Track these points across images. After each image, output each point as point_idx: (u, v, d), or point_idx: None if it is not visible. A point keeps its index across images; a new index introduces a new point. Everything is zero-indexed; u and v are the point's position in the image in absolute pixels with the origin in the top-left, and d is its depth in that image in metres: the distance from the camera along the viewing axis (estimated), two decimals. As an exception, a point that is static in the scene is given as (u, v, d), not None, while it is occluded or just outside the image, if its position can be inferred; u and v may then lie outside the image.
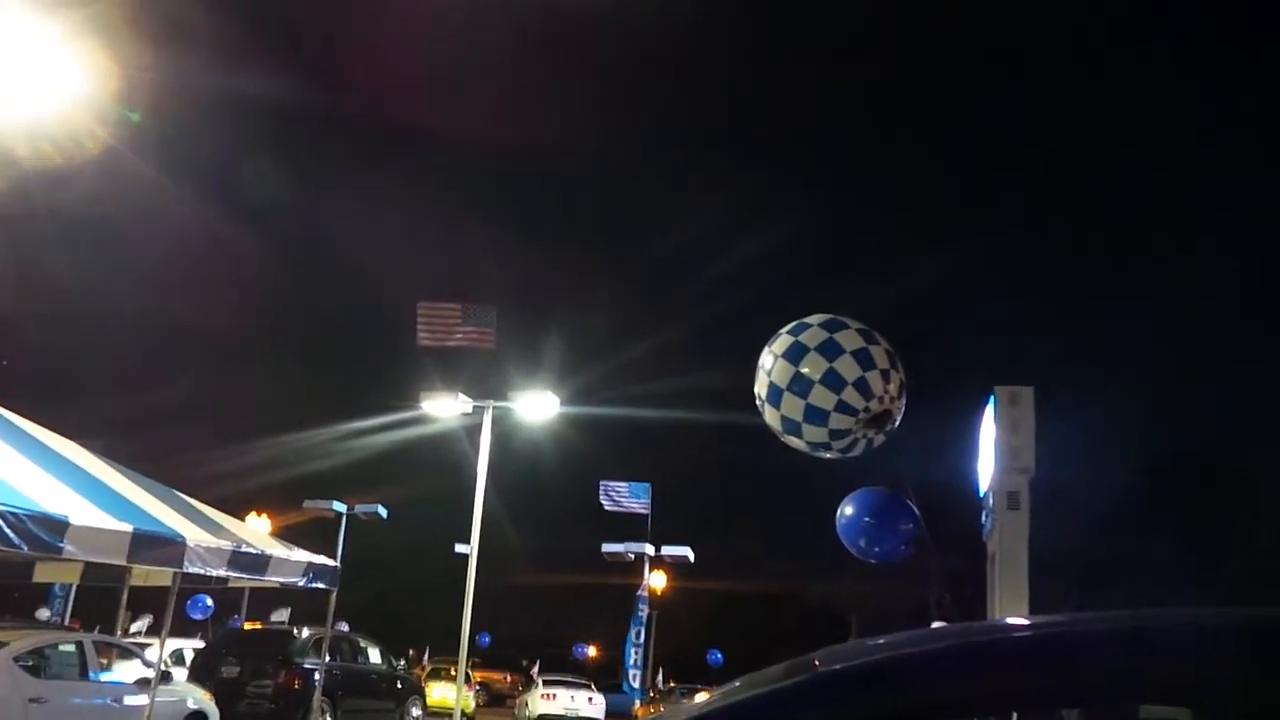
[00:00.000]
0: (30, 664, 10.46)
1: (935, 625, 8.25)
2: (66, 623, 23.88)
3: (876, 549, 11.12)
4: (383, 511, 34.68)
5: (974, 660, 1.62)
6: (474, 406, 24.80)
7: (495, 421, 24.91)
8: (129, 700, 11.31)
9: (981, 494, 12.79)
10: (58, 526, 8.70)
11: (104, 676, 11.44)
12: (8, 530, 8.18)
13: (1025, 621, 1.92)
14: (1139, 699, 1.93)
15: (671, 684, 37.93)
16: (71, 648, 11.33)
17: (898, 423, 9.91)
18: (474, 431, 24.98)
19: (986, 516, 12.30)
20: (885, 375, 9.58)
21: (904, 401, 9.90)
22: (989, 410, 11.89)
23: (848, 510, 11.24)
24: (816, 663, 1.65)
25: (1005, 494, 11.22)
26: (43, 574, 14.64)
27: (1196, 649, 1.57)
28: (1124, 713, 2.00)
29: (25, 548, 8.51)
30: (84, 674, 11.07)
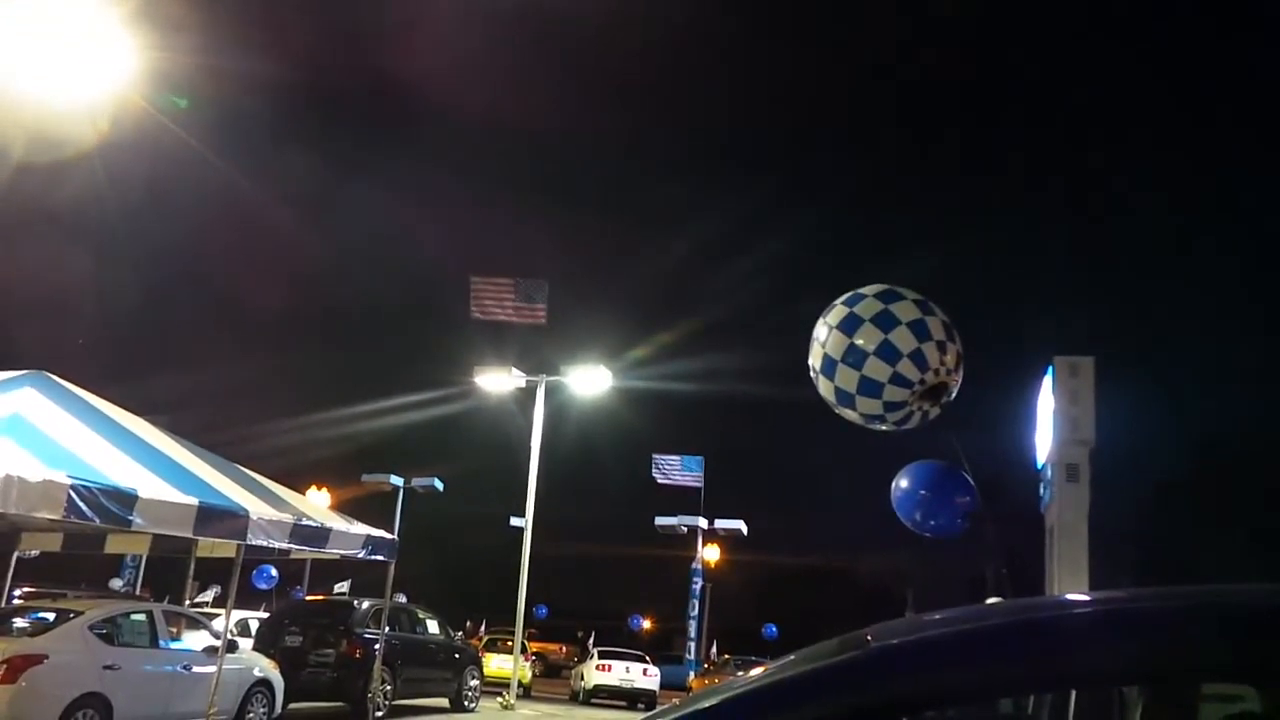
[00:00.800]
0: (104, 632, 10.80)
1: (991, 600, 8.16)
2: (137, 593, 24.64)
3: (932, 522, 11.00)
4: (439, 485, 35.19)
5: (1031, 637, 1.60)
6: (527, 380, 25.00)
7: (548, 395, 25.09)
8: (197, 668, 11.65)
9: (1040, 466, 12.59)
10: (127, 500, 8.97)
11: (173, 645, 11.78)
12: (80, 503, 8.45)
13: (1084, 597, 1.89)
14: (1202, 677, 1.89)
15: (726, 656, 38.09)
16: (142, 617, 11.68)
17: (954, 395, 9.76)
18: (528, 405, 25.20)
19: (1045, 489, 12.11)
20: (941, 347, 9.43)
21: (960, 374, 9.75)
22: (1048, 381, 11.68)
23: (903, 483, 11.13)
24: (869, 638, 1.63)
25: (1064, 466, 11.06)
26: (114, 545, 15.12)
27: (1261, 626, 1.53)
28: (1187, 691, 1.96)
29: (97, 520, 8.80)
30: (154, 642, 11.41)
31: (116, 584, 25.77)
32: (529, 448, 24.66)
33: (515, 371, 24.99)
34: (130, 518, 9.01)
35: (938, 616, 1.78)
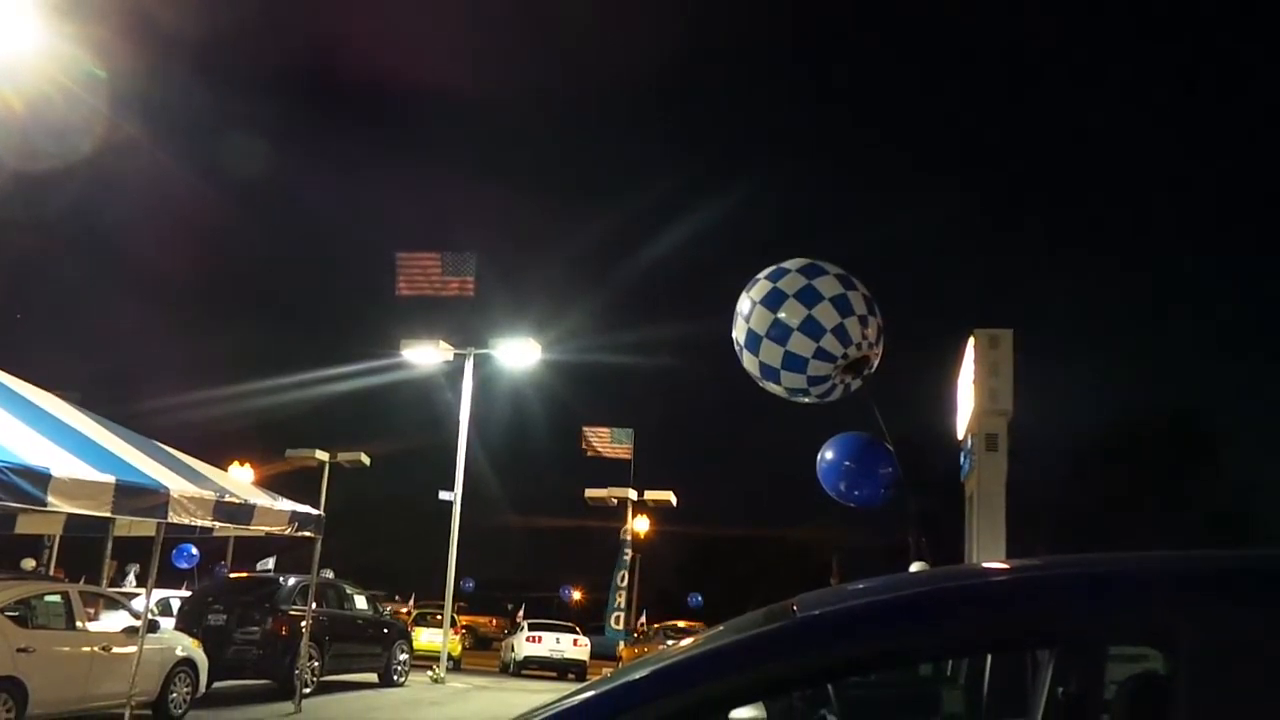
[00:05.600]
0: (17, 614, 10.50)
1: (913, 567, 8.39)
2: (51, 573, 23.90)
3: (856, 493, 11.24)
4: (365, 459, 34.72)
5: (950, 605, 1.66)
6: (455, 354, 24.79)
7: (477, 368, 24.93)
8: (117, 649, 11.39)
9: (960, 436, 12.92)
10: (40, 479, 8.69)
11: (91, 626, 11.49)
12: (-11, 483, 8.16)
13: (1001, 565, 1.96)
14: (1110, 640, 1.99)
15: (655, 626, 38.50)
16: (58, 598, 11.36)
17: (875, 368, 9.96)
18: (456, 379, 25.02)
19: (965, 458, 12.45)
20: (863, 321, 9.61)
21: (882, 347, 9.95)
22: (968, 353, 11.97)
23: (828, 455, 11.34)
24: (795, 608, 1.68)
25: (984, 435, 11.35)
26: (25, 525, 14.64)
27: (1166, 590, 1.61)
28: (1096, 654, 2.06)
29: (8, 500, 8.51)
30: (70, 624, 11.12)
31: (29, 564, 24.98)
32: (458, 421, 24.50)
33: (443, 345, 24.76)
34: (44, 497, 8.73)
35: (860, 586, 1.83)
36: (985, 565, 2.00)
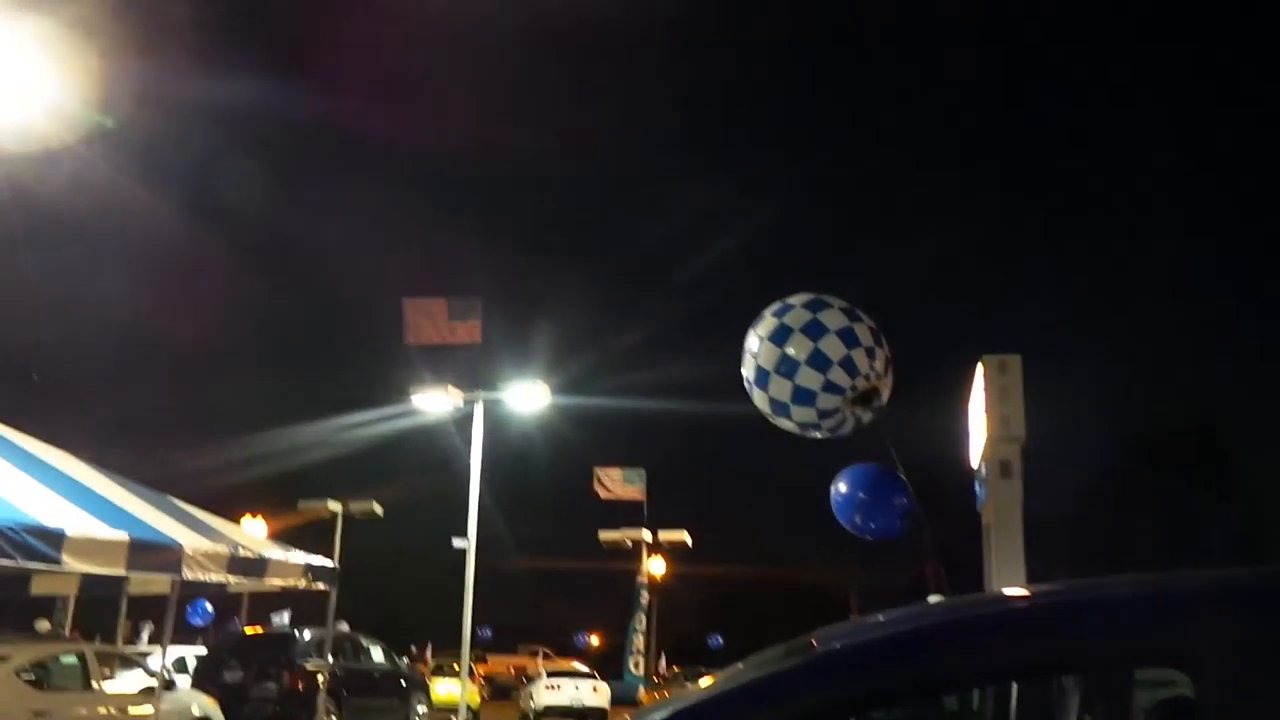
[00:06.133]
0: (33, 677, 10.44)
1: (931, 600, 8.30)
2: (66, 634, 23.80)
3: (872, 525, 11.16)
4: (378, 509, 34.62)
5: (969, 633, 1.64)
6: (465, 400, 24.79)
7: (487, 413, 24.89)
8: (133, 710, 11.31)
9: (974, 465, 12.84)
10: (54, 539, 8.68)
11: (107, 686, 11.42)
12: (4, 544, 8.16)
13: (1018, 592, 1.94)
14: (1135, 664, 1.96)
15: (675, 669, 38.08)
16: (74, 659, 11.31)
17: (885, 399, 9.94)
18: (466, 424, 24.98)
19: (980, 487, 12.36)
20: (870, 353, 9.61)
21: (891, 378, 9.94)
22: (977, 380, 11.94)
23: (841, 487, 11.27)
24: (814, 643, 1.66)
25: (997, 463, 11.27)
26: (40, 586, 14.59)
27: (1190, 611, 1.59)
28: (1121, 678, 2.03)
29: (21, 560, 8.50)
30: (87, 685, 11.06)
31: (44, 626, 24.88)
32: (469, 468, 24.44)
33: (452, 390, 24.77)
34: (58, 557, 8.72)
35: (879, 618, 1.82)
36: (1006, 592, 1.97)
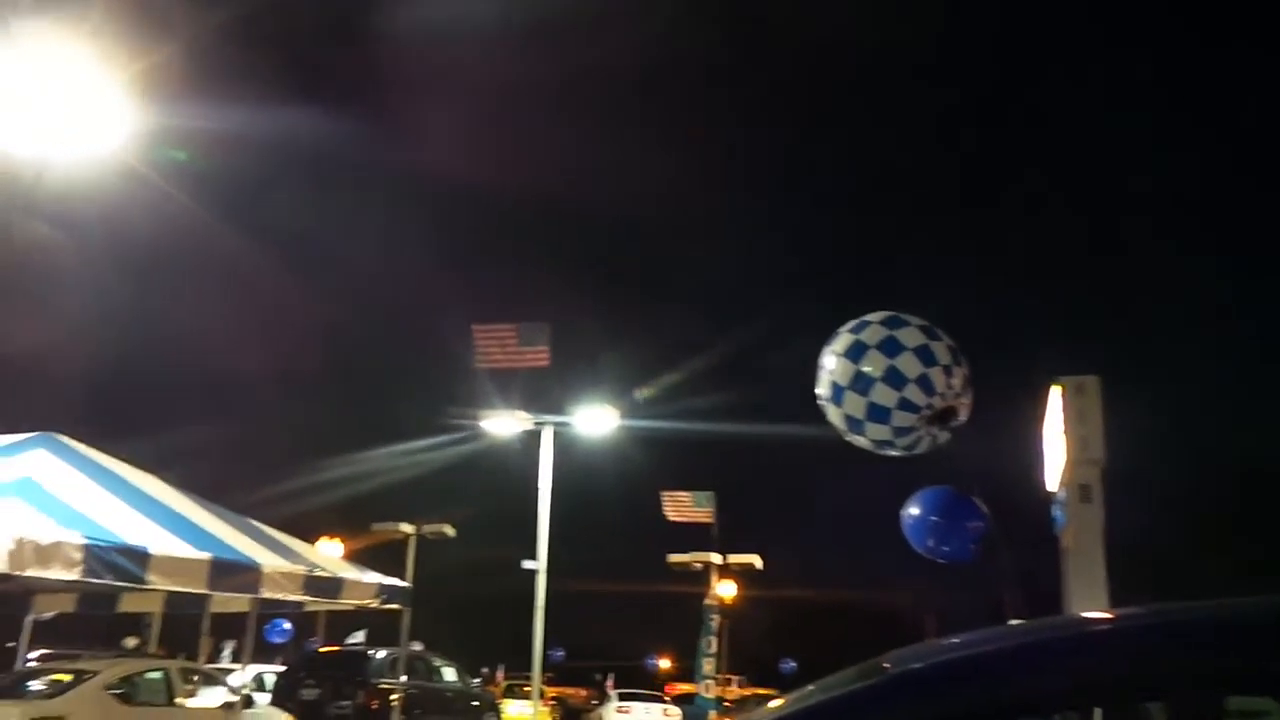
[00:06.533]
0: (121, 691, 10.76)
1: (1010, 624, 8.10)
2: (152, 651, 24.48)
3: (945, 548, 10.95)
4: (450, 530, 35.00)
5: (1047, 656, 1.61)
6: (534, 423, 25.02)
7: (556, 436, 25.09)
8: (214, 725, 11.58)
9: (1052, 488, 12.53)
10: (140, 558, 8.98)
11: (190, 703, 11.71)
12: (94, 563, 8.46)
13: (1099, 614, 1.90)
14: (1224, 690, 1.89)
15: (746, 692, 37.68)
16: (159, 675, 11.62)
17: (963, 418, 9.77)
18: (536, 447, 25.19)
19: (1059, 511, 12.05)
20: (948, 371, 9.47)
21: (969, 397, 9.77)
22: (1054, 401, 11.67)
23: (914, 510, 11.09)
24: (886, 665, 1.64)
25: (1077, 487, 10.99)
26: (128, 604, 15.07)
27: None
28: (1209, 705, 1.96)
29: (111, 578, 8.80)
30: (171, 700, 11.35)
31: (131, 642, 25.63)
32: (538, 490, 24.62)
33: (522, 415, 25.02)
34: (144, 575, 9.01)
35: (953, 641, 1.79)
36: (1087, 615, 1.93)
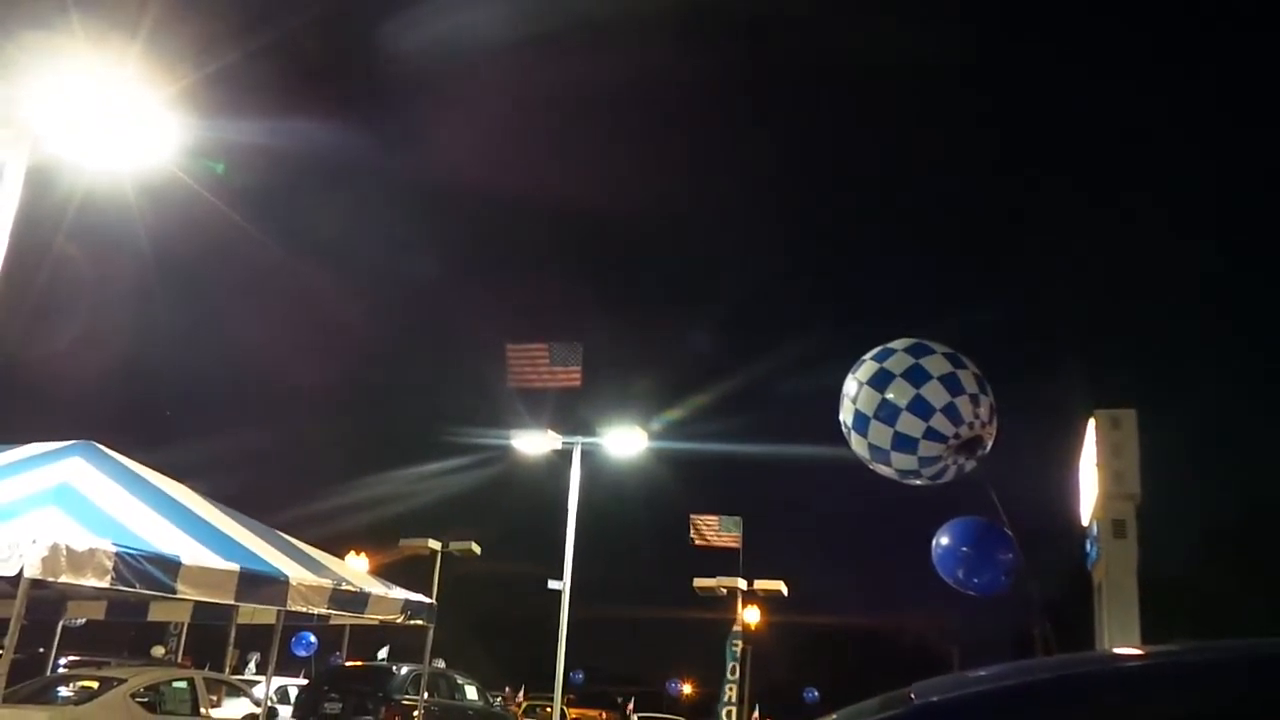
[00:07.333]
0: (147, 700, 10.85)
1: (1039, 659, 7.98)
2: (179, 660, 24.69)
3: (975, 580, 10.81)
4: (476, 548, 35.07)
5: (1074, 692, 1.60)
6: (563, 443, 25.03)
7: (585, 457, 25.09)
8: (238, 736, 11.64)
9: (1085, 522, 12.36)
10: (171, 567, 9.06)
11: (214, 713, 11.77)
12: (125, 570, 8.55)
13: (1128, 650, 1.88)
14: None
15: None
16: (184, 684, 11.71)
17: (989, 448, 9.67)
18: (564, 467, 25.20)
19: (1091, 545, 11.88)
20: (975, 400, 9.38)
21: (995, 426, 9.67)
22: (1089, 434, 11.53)
23: (944, 540, 10.97)
24: (913, 695, 1.64)
25: (1110, 521, 10.83)
26: (157, 613, 15.21)
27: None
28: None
29: (141, 587, 8.89)
30: (195, 710, 11.43)
31: (159, 651, 25.84)
32: (566, 510, 24.61)
33: (551, 434, 25.06)
34: (174, 584, 9.09)
35: (980, 673, 1.78)
36: (1116, 651, 1.91)
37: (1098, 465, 11.03)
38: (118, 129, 9.37)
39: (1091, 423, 11.38)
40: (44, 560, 7.96)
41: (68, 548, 8.15)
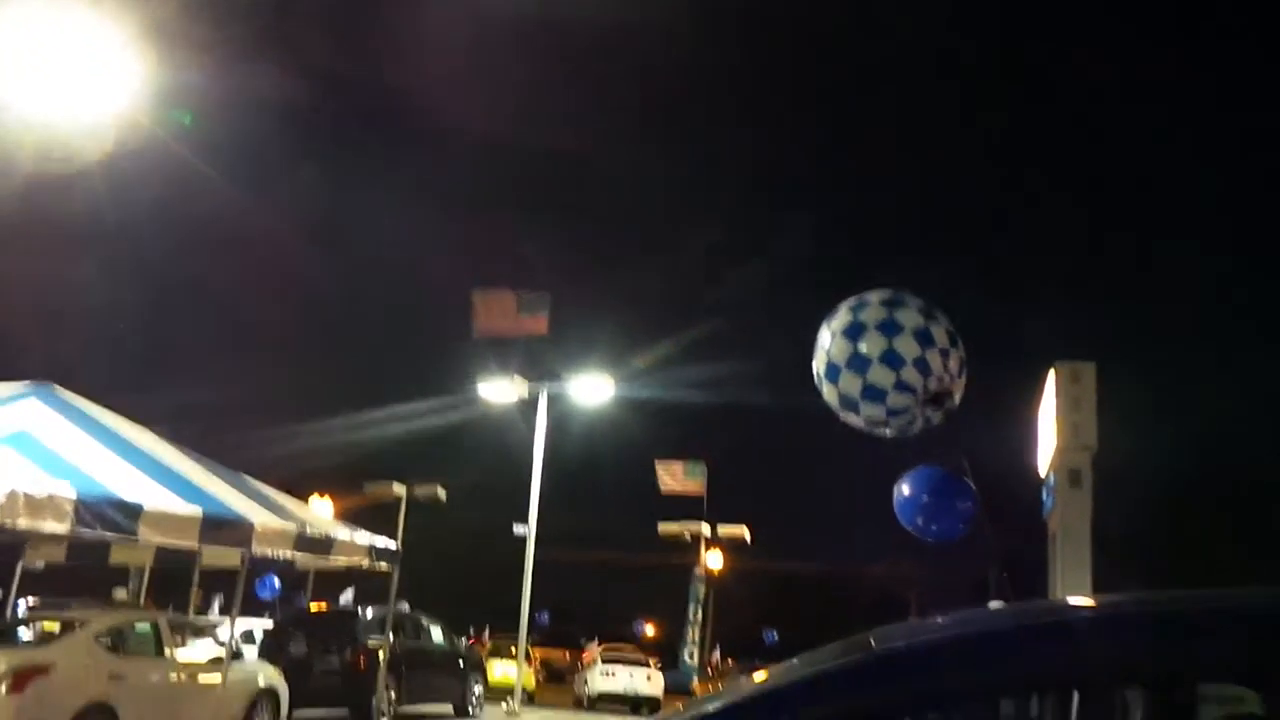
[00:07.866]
0: (110, 642, 10.82)
1: (992, 605, 8.17)
2: (141, 603, 24.63)
3: (934, 527, 11.02)
4: (442, 493, 35.15)
5: (1033, 640, 1.63)
6: (529, 389, 25.05)
7: (551, 403, 25.13)
8: (202, 678, 11.66)
9: (1043, 472, 12.59)
10: (132, 511, 9.00)
11: (179, 654, 11.79)
12: (85, 515, 8.48)
13: (1082, 601, 1.91)
14: (1202, 679, 1.91)
15: (729, 661, 38.07)
16: (148, 627, 11.69)
17: (958, 401, 9.80)
18: (531, 413, 25.24)
19: (1048, 495, 12.12)
20: (945, 354, 9.47)
21: (964, 380, 9.79)
22: (1049, 387, 11.70)
23: (905, 489, 11.15)
24: (872, 641, 1.66)
25: (1067, 471, 11.06)
26: (118, 556, 15.13)
27: (1260, 630, 1.55)
28: (1185, 693, 1.98)
29: (102, 531, 8.82)
30: (159, 652, 11.43)
31: (121, 594, 25.77)
32: (532, 456, 24.70)
33: (518, 380, 25.05)
34: (135, 529, 9.03)
35: (938, 620, 1.81)
36: (1069, 601, 1.95)
37: (1056, 417, 11.23)
38: (83, 73, 9.13)
39: (1051, 375, 11.55)
40: (1, 505, 7.87)
41: (25, 493, 8.05)
